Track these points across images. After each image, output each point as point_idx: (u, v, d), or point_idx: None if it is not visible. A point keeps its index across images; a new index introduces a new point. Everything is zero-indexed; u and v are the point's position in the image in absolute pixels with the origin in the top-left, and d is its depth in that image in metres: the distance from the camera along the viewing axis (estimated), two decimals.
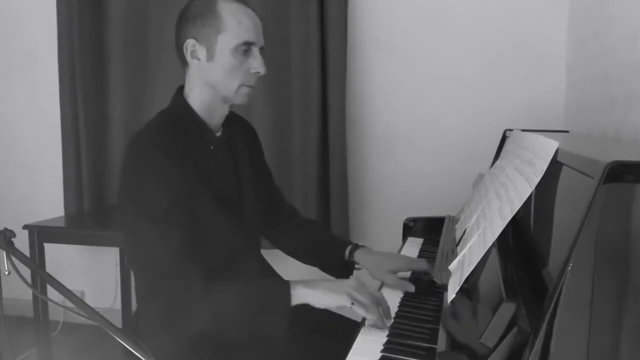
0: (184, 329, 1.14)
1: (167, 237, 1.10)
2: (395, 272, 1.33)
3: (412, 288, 1.27)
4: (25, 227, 2.14)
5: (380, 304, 1.07)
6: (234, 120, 1.37)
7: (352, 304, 1.04)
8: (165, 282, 1.10)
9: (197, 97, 1.24)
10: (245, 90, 1.23)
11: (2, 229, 0.95)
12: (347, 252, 1.40)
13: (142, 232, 1.12)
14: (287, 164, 2.48)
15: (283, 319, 1.06)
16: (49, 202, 2.83)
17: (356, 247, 1.41)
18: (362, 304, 1.05)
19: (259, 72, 1.22)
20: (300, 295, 1.07)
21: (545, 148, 0.83)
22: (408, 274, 1.37)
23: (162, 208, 1.11)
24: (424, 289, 1.27)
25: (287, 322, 1.06)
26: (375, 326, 1.06)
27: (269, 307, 1.08)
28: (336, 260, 1.42)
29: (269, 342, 1.19)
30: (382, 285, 1.32)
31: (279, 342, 1.12)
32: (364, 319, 1.10)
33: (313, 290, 1.07)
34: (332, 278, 1.43)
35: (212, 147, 1.26)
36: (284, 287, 1.08)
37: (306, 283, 1.09)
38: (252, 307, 1.09)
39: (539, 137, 0.94)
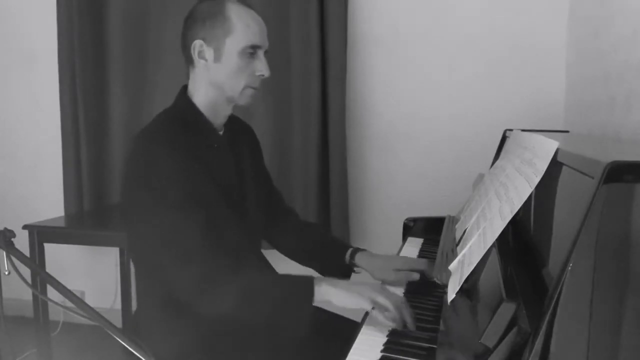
0: (210, 313, 1.13)
1: (191, 221, 1.11)
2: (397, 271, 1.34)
3: (416, 276, 1.27)
4: (25, 227, 2.13)
5: (402, 308, 1.06)
6: (234, 121, 1.39)
7: (373, 308, 1.05)
8: (193, 266, 1.10)
9: (202, 96, 1.25)
10: (249, 91, 1.26)
11: (2, 229, 0.95)
12: (347, 255, 1.41)
13: (163, 219, 1.12)
14: (287, 164, 2.48)
15: (304, 313, 1.07)
16: (49, 202, 2.83)
17: (356, 250, 1.42)
18: (383, 309, 1.05)
19: (263, 75, 1.25)
20: (324, 292, 1.08)
21: (545, 148, 0.83)
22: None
23: (178, 196, 1.12)
24: (423, 288, 1.27)
25: (308, 317, 1.07)
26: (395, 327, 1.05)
27: (292, 299, 1.09)
28: (336, 263, 1.42)
29: (268, 340, 1.19)
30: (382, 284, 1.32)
31: (296, 337, 1.11)
32: (364, 319, 1.10)
33: (336, 289, 1.08)
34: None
35: (215, 145, 1.28)
36: (308, 281, 1.09)
37: (330, 281, 1.10)
38: (277, 296, 1.10)
39: (539, 137, 0.94)
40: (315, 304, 1.08)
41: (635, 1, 1.46)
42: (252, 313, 1.11)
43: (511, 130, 1.66)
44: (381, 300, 1.05)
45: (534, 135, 1.03)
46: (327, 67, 2.37)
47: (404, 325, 1.05)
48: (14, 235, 0.96)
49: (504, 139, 1.71)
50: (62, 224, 2.39)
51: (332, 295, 1.08)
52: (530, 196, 0.79)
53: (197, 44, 1.21)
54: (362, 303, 1.06)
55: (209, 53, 1.22)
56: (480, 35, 2.31)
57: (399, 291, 1.28)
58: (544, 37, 2.24)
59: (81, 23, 2.58)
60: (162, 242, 1.13)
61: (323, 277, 1.12)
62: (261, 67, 1.24)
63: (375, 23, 2.41)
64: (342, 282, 1.11)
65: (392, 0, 2.39)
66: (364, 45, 2.44)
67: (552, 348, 0.55)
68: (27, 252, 2.02)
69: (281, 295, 1.10)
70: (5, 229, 0.95)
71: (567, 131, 1.90)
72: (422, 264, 1.34)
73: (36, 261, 2.14)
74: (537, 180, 0.78)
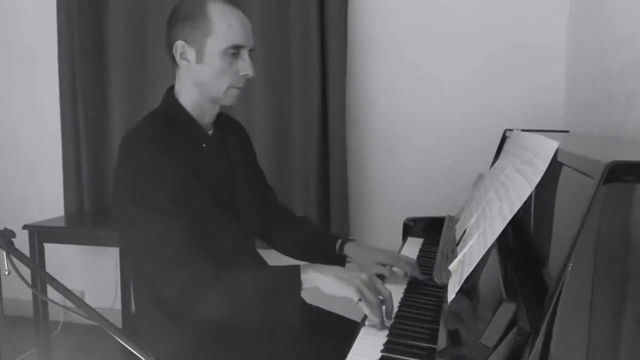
0: (195, 319, 1.13)
1: (172, 227, 1.10)
2: (382, 265, 1.35)
3: (417, 273, 1.29)
4: (25, 227, 2.14)
5: (385, 303, 1.07)
6: (224, 119, 1.39)
7: (360, 299, 1.04)
8: (175, 271, 1.10)
9: (188, 96, 1.25)
10: (234, 91, 1.25)
11: (2, 229, 0.95)
12: (337, 245, 1.42)
13: (146, 224, 1.12)
14: (287, 164, 2.48)
15: (295, 304, 1.06)
16: (49, 202, 2.83)
17: (346, 240, 1.43)
18: (369, 301, 1.04)
19: (247, 75, 1.23)
20: (311, 279, 1.07)
21: (545, 148, 0.83)
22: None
23: (162, 200, 1.12)
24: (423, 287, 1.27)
25: (299, 307, 1.06)
26: (374, 327, 1.06)
27: (280, 291, 1.08)
28: (328, 255, 1.43)
29: (267, 340, 1.19)
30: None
31: (290, 329, 1.10)
32: (364, 319, 1.10)
33: (324, 276, 1.07)
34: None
35: (204, 145, 1.27)
36: (295, 271, 1.08)
37: (317, 267, 1.09)
38: (264, 291, 1.09)
39: (539, 137, 0.94)
40: (303, 291, 1.08)
41: (635, 1, 1.46)
42: (241, 311, 1.10)
43: (511, 130, 1.66)
44: (367, 294, 1.04)
45: (534, 135, 1.03)
46: (327, 67, 2.37)
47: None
48: (14, 235, 0.96)
49: (504, 139, 1.71)
50: (62, 224, 2.40)
51: (319, 282, 1.07)
52: (530, 196, 0.79)
53: (179, 44, 1.20)
54: (349, 292, 1.05)
55: (190, 54, 1.21)
56: (481, 35, 2.31)
57: (400, 288, 1.28)
58: (544, 37, 2.24)
59: (81, 23, 2.59)
60: (144, 247, 1.13)
61: (312, 264, 1.10)
62: (245, 67, 1.22)
63: (375, 23, 2.41)
64: (331, 269, 1.09)
65: (393, 0, 2.39)
66: (364, 45, 2.44)
67: (552, 348, 0.55)
68: (27, 252, 2.02)
69: (268, 288, 1.09)
70: (5, 229, 0.95)
71: (567, 131, 1.90)
72: (409, 266, 1.34)
73: (36, 261, 2.14)
74: (537, 180, 0.78)
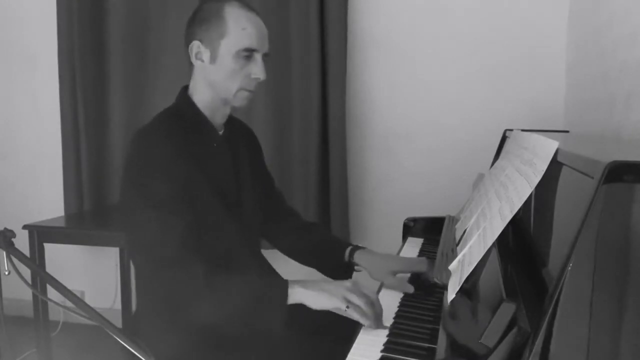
0: (183, 319, 1.14)
1: (169, 226, 1.11)
2: (395, 274, 1.33)
3: (411, 289, 1.27)
4: (25, 227, 2.14)
5: (374, 306, 1.07)
6: (235, 123, 1.40)
7: (347, 307, 1.05)
8: (165, 270, 1.10)
9: (201, 96, 1.27)
10: (244, 94, 1.26)
11: (2, 229, 0.95)
12: (347, 253, 1.41)
13: (144, 220, 1.12)
14: (287, 164, 2.48)
15: (279, 316, 1.07)
16: (49, 202, 2.83)
17: (356, 248, 1.41)
18: (357, 306, 1.05)
19: (259, 78, 1.25)
20: (297, 295, 1.08)
21: (545, 148, 0.83)
22: (408, 275, 1.37)
23: (165, 197, 1.13)
24: (424, 288, 1.27)
25: (282, 319, 1.07)
26: (370, 328, 1.06)
27: (265, 302, 1.08)
28: (336, 262, 1.42)
29: (268, 340, 1.19)
30: (381, 286, 1.32)
31: (274, 340, 1.11)
32: None
33: (309, 291, 1.08)
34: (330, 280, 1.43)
35: (214, 145, 1.29)
36: (282, 284, 1.09)
37: (304, 283, 1.09)
38: (250, 300, 1.09)
39: (539, 137, 0.94)
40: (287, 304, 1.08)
41: (635, 1, 1.46)
42: (223, 317, 1.10)
43: (511, 130, 1.66)
44: (354, 299, 1.05)
45: (534, 135, 1.03)
46: (327, 67, 2.37)
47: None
48: (14, 235, 0.96)
49: (504, 139, 1.71)
50: (62, 224, 2.40)
51: (305, 298, 1.07)
52: (530, 196, 0.79)
53: (195, 44, 1.24)
54: (336, 302, 1.06)
55: (205, 54, 1.23)
56: (480, 35, 2.31)
57: (397, 294, 1.28)
58: (544, 37, 2.25)
59: (81, 24, 2.59)
60: (142, 245, 1.14)
61: (297, 280, 1.11)
62: (257, 70, 1.24)
63: (375, 23, 2.42)
64: (315, 284, 1.10)
65: (393, 0, 2.39)
66: (364, 45, 2.44)
67: (552, 348, 0.55)
68: (27, 252, 2.02)
69: (254, 296, 1.09)
70: (5, 229, 0.95)
71: (567, 131, 1.90)
72: (422, 266, 1.34)
73: (36, 261, 2.14)
74: (537, 180, 0.78)
